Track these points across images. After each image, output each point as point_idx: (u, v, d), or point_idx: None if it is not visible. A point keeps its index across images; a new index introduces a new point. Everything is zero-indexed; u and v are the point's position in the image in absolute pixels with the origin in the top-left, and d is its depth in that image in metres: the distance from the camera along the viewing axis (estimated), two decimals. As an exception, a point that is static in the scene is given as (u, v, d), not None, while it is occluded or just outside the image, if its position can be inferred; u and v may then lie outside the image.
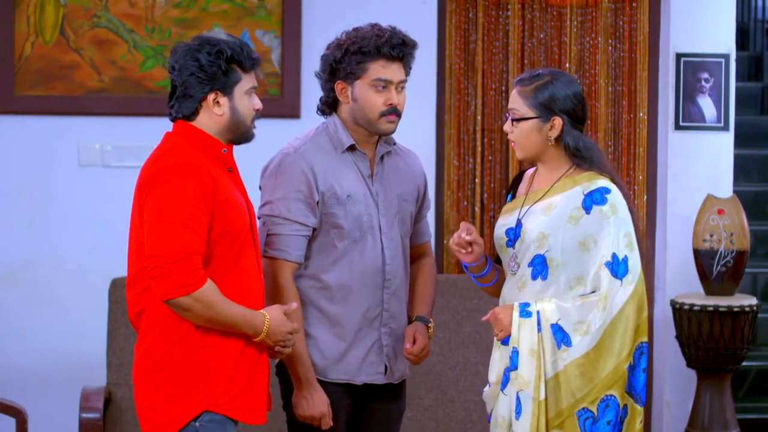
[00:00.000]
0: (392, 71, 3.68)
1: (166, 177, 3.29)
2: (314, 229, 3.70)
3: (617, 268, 3.43)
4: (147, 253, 3.27)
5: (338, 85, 3.72)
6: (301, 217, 3.66)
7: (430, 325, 3.87)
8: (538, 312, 3.46)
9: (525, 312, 3.47)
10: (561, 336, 3.43)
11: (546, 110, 3.51)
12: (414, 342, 3.78)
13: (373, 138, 3.77)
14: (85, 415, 4.80)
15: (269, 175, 3.71)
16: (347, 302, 3.72)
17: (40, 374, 5.54)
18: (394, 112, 3.69)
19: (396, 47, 3.66)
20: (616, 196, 3.49)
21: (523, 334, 3.46)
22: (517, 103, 3.55)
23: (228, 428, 3.38)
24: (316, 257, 3.72)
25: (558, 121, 3.51)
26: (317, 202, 3.67)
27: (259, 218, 3.69)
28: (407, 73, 3.74)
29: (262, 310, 3.40)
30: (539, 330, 3.45)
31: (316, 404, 3.66)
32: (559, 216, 3.50)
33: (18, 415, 4.63)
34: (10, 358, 5.53)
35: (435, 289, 3.97)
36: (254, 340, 3.38)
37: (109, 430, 4.95)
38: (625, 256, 3.44)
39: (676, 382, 5.85)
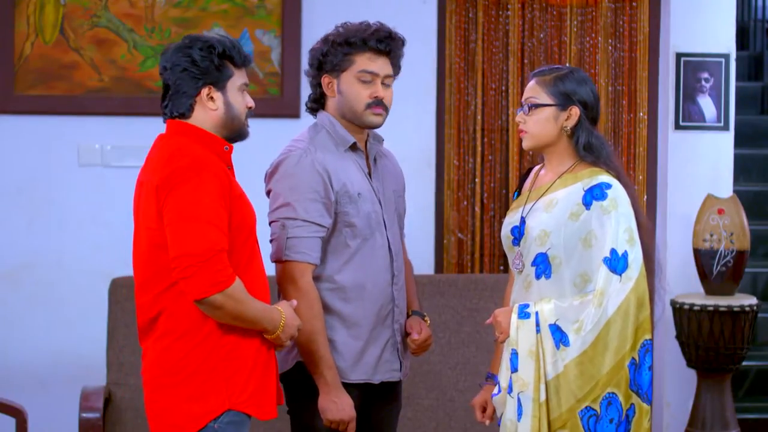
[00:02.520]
0: (378, 65, 3.68)
1: (184, 176, 3.27)
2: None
3: (616, 263, 3.40)
4: (175, 254, 3.24)
5: (325, 79, 3.72)
6: (318, 218, 3.63)
7: (426, 318, 3.89)
8: (536, 313, 3.44)
9: (524, 313, 3.46)
10: (559, 336, 3.41)
11: (565, 99, 3.51)
12: (419, 333, 3.79)
13: (364, 134, 3.77)
14: (85, 415, 4.79)
15: (282, 176, 3.66)
16: (362, 301, 3.70)
17: (40, 374, 5.54)
18: (379, 104, 3.68)
19: (382, 41, 3.66)
20: (617, 191, 3.46)
21: (521, 335, 3.45)
22: (535, 91, 3.54)
23: (244, 427, 3.39)
24: (329, 258, 3.69)
25: (575, 111, 3.50)
26: (333, 202, 3.66)
27: (274, 221, 3.66)
28: (396, 71, 3.74)
29: (275, 305, 3.42)
30: (538, 331, 3.43)
31: (345, 408, 3.63)
32: (561, 213, 3.48)
33: (18, 415, 4.63)
34: (10, 358, 5.53)
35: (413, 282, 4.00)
36: (269, 337, 3.39)
37: (109, 430, 4.94)
38: (626, 251, 3.41)
39: (676, 382, 5.85)
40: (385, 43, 3.67)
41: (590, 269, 3.43)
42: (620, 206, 3.45)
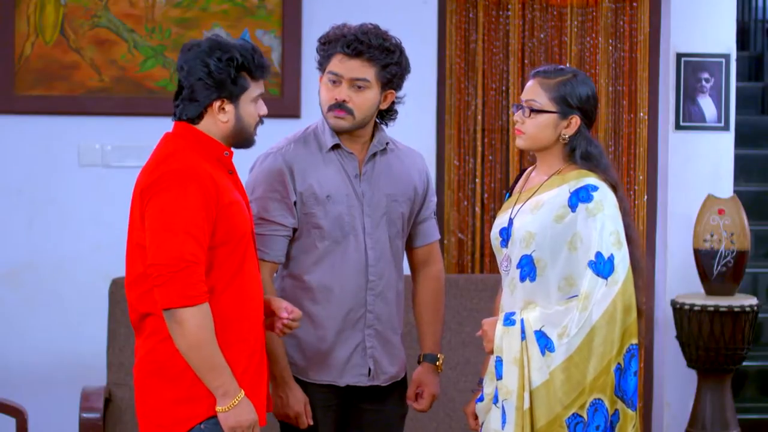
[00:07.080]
0: (346, 67, 3.62)
1: (169, 183, 3.24)
2: (296, 229, 3.68)
3: (602, 267, 3.33)
4: (149, 261, 3.23)
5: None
6: (278, 217, 3.65)
7: (438, 363, 3.90)
8: (522, 320, 3.39)
9: (509, 321, 3.41)
10: (545, 342, 3.35)
11: (566, 107, 3.44)
12: (417, 397, 3.85)
13: (359, 136, 3.72)
14: (85, 415, 4.80)
15: (252, 174, 3.71)
16: (329, 303, 3.69)
17: (40, 374, 5.54)
18: (340, 107, 3.64)
19: (350, 44, 3.61)
20: (603, 193, 3.40)
21: (506, 342, 3.40)
22: (536, 94, 3.47)
23: None
24: (299, 258, 3.70)
25: (576, 120, 3.45)
26: (294, 203, 3.65)
27: None
28: (383, 75, 3.65)
29: (241, 390, 3.30)
30: (523, 338, 3.37)
31: (290, 403, 3.65)
32: (546, 215, 3.42)
33: (18, 415, 4.63)
34: (10, 358, 5.53)
35: (442, 302, 3.95)
36: (217, 409, 3.29)
37: (109, 430, 4.94)
38: (612, 254, 3.34)
39: (676, 382, 5.85)
40: (353, 46, 3.61)
41: (576, 273, 3.37)
42: (606, 208, 3.38)
